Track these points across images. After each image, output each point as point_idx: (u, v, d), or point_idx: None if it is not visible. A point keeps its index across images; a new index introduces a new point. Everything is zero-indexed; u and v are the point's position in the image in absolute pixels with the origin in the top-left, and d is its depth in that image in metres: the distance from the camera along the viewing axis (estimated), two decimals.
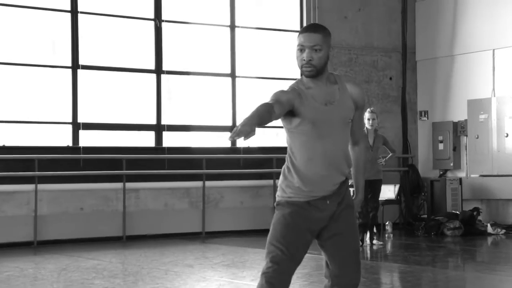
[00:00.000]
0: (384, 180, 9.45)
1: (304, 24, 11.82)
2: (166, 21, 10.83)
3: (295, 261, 3.40)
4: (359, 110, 3.56)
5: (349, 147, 3.57)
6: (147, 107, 10.74)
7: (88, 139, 10.22)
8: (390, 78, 12.59)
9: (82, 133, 10.17)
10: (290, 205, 3.41)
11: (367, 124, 9.06)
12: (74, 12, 10.17)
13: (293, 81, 3.50)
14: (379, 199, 9.34)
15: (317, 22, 11.76)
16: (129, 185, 10.15)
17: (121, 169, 10.08)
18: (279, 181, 3.50)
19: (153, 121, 10.76)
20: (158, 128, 10.75)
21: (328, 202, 3.42)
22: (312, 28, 3.41)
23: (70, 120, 10.14)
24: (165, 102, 10.84)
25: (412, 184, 12.21)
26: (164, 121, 10.77)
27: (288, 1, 11.94)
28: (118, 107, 10.56)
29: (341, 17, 12.12)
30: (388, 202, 10.91)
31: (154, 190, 10.42)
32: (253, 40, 11.57)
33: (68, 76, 10.17)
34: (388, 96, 12.54)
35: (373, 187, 9.04)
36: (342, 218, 3.46)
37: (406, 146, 12.49)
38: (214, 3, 11.36)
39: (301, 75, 3.45)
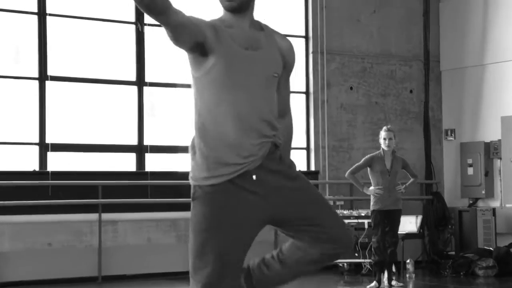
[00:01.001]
0: (404, 211, 9.40)
1: (310, 28, 11.85)
2: (150, 24, 10.84)
3: (237, 271, 3.18)
4: (287, 71, 3.41)
5: None
6: (127, 125, 10.71)
7: (57, 162, 10.17)
8: (411, 91, 12.59)
9: (50, 155, 10.12)
10: (210, 197, 3.16)
11: (383, 144, 9.03)
12: (41, 14, 10.16)
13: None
14: (399, 232, 9.29)
15: (325, 25, 11.78)
16: (106, 216, 10.09)
17: (97, 198, 10.02)
18: (190, 159, 3.29)
19: (134, 141, 10.73)
20: (140, 150, 10.72)
21: (254, 177, 3.19)
22: None
23: (37, 141, 10.09)
24: (148, 119, 10.82)
25: (437, 215, 12.16)
26: (146, 142, 10.74)
27: (293, 2, 11.96)
28: (93, 125, 10.53)
29: (353, 20, 12.14)
30: (409, 236, 10.85)
31: (135, 222, 10.36)
32: None
33: (34, 88, 10.13)
34: (408, 112, 12.54)
35: (391, 219, 8.99)
36: (300, 190, 3.28)
37: (430, 170, 12.46)
38: (207, 4, 11.37)
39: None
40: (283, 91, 3.43)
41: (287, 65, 3.39)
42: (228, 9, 3.27)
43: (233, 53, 3.19)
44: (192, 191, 3.24)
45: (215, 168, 3.17)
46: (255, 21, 3.35)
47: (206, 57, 3.18)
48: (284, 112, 3.46)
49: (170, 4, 2.98)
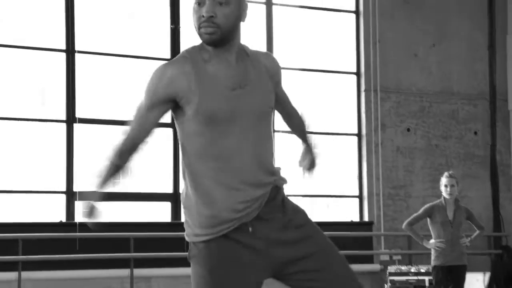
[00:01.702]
0: (469, 267, 9.27)
1: (362, 63, 11.87)
2: None
3: None
4: (279, 86, 3.30)
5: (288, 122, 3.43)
6: (161, 171, 10.78)
7: None
8: (475, 133, 12.51)
9: (78, 204, 10.20)
10: (204, 254, 3.11)
11: (444, 192, 8.95)
12: (70, 51, 10.34)
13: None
14: None
15: (378, 60, 11.80)
16: (139, 271, 10.12)
17: (128, 251, 10.06)
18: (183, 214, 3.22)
19: (169, 189, 10.78)
20: (176, 198, 10.76)
21: (250, 229, 3.10)
22: None
23: (64, 189, 10.21)
24: None
25: (508, 272, 11.99)
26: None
27: (342, 35, 12.01)
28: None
29: (410, 54, 12.14)
30: None
31: (171, 278, 10.37)
32: (297, 84, 11.63)
33: (61, 132, 10.27)
34: (472, 156, 12.44)
35: (455, 275, 8.88)
36: (305, 240, 3.15)
37: (498, 221, 12.32)
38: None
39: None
40: (289, 105, 3.43)
41: (277, 83, 3.27)
42: (208, 42, 3.09)
43: (218, 99, 3.05)
44: (189, 248, 3.21)
45: (208, 225, 3.11)
46: (241, 49, 3.19)
47: (186, 105, 3.07)
48: (295, 113, 3.47)
49: (139, 142, 3.10)
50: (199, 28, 3.07)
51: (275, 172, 3.19)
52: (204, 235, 3.12)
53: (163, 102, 3.08)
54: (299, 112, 3.50)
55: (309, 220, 3.25)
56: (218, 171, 3.07)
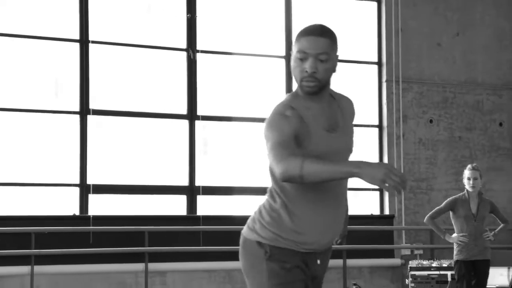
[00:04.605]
0: (493, 261, 9.28)
1: (384, 53, 11.87)
2: (203, 51, 10.97)
3: None
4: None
5: None
6: (176, 164, 10.82)
7: (99, 206, 10.33)
8: (500, 124, 12.48)
9: (92, 198, 10.28)
10: (283, 258, 3.45)
11: (467, 185, 8.95)
12: (83, 41, 10.40)
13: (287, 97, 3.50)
14: (487, 286, 9.17)
15: (400, 49, 11.78)
16: (153, 266, 10.17)
17: (143, 245, 10.12)
18: (257, 217, 3.57)
19: (184, 182, 10.83)
20: (191, 191, 10.80)
21: (318, 262, 3.53)
22: (318, 31, 3.47)
23: (77, 181, 10.28)
24: (200, 157, 10.92)
25: None
26: (198, 182, 10.83)
27: (364, 24, 12.01)
28: (139, 165, 10.67)
29: (433, 43, 12.12)
30: None
31: (186, 272, 10.42)
32: None
33: (74, 124, 10.34)
34: (497, 148, 12.42)
35: (478, 270, 8.88)
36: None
37: None
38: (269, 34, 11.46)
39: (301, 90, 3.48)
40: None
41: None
42: (308, 93, 3.43)
43: (322, 141, 3.41)
44: (263, 246, 3.51)
45: (292, 237, 3.45)
46: (329, 94, 3.56)
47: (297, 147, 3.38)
48: None
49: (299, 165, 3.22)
50: (300, 80, 3.40)
51: (346, 212, 3.69)
52: (286, 243, 3.45)
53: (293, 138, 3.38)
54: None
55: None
56: (316, 201, 3.43)
